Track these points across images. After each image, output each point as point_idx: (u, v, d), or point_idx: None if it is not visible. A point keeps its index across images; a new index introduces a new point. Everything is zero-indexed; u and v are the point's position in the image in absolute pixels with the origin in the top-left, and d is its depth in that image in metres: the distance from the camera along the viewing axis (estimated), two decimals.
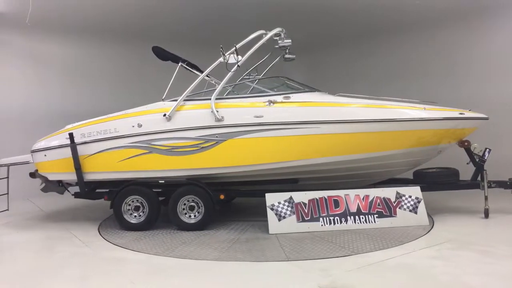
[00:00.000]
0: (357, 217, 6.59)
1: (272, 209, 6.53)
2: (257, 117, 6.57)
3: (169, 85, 6.90)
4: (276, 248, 5.63)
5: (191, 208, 6.76)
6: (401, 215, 6.62)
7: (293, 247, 5.62)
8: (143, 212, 6.81)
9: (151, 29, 10.71)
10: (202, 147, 6.61)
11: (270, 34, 6.80)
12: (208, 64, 7.04)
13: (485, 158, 7.22)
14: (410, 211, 6.68)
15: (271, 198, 6.60)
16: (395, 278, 4.51)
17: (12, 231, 7.11)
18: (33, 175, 7.93)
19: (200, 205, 6.72)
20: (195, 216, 6.76)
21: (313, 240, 5.93)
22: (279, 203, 6.57)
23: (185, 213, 6.77)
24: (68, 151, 6.83)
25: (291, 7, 9.18)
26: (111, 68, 11.54)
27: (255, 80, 7.41)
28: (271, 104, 6.64)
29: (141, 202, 6.82)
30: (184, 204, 6.76)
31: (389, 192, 6.76)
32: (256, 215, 7.66)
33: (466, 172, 7.38)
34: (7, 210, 7.75)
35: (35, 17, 8.36)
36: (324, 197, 6.67)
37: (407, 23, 10.85)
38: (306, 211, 6.56)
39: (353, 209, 6.64)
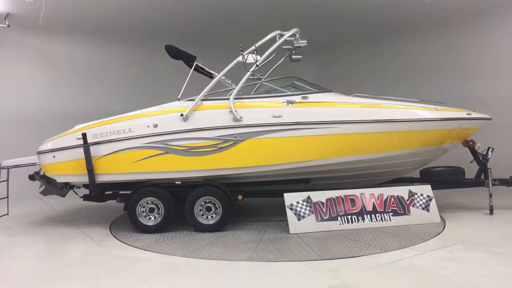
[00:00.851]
0: (373, 215, 6.69)
1: (291, 208, 6.53)
2: (276, 117, 6.56)
3: (184, 85, 6.78)
4: (304, 248, 5.64)
5: (208, 209, 6.67)
6: (414, 213, 6.78)
7: (321, 246, 5.65)
8: (158, 214, 6.66)
9: (161, 30, 10.65)
10: (220, 147, 6.54)
11: (287, 34, 6.82)
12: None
13: (489, 157, 7.51)
14: (423, 209, 6.84)
15: (290, 198, 6.61)
16: (406, 279, 4.53)
17: (25, 230, 7.09)
18: (32, 177, 7.65)
19: (217, 206, 6.65)
20: (212, 217, 6.67)
21: (336, 239, 5.98)
22: (298, 202, 6.59)
23: (202, 214, 6.67)
24: (79, 152, 6.60)
25: (300, 8, 9.20)
26: (121, 69, 11.57)
27: (269, 80, 7.38)
28: (290, 104, 6.65)
29: (156, 204, 6.66)
30: (201, 205, 6.67)
31: (402, 191, 6.91)
32: (266, 215, 7.73)
33: (469, 170, 7.64)
34: (7, 214, 7.41)
35: (47, 18, 8.39)
36: (341, 196, 6.74)
37: (417, 23, 10.87)
38: (324, 210, 6.60)
39: (369, 207, 6.74)
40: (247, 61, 6.66)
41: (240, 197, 6.78)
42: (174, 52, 7.20)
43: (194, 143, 6.55)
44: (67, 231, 6.95)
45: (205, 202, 6.66)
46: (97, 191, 6.76)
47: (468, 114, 7.17)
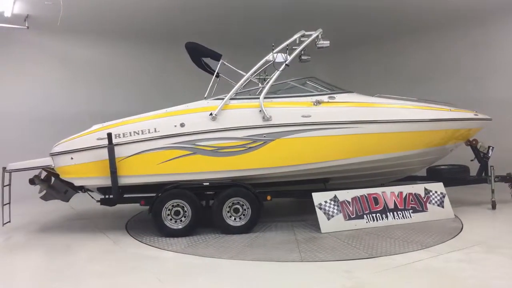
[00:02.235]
0: (395, 213, 6.88)
1: (320, 208, 6.56)
2: (305, 116, 6.57)
3: (210, 83, 6.64)
4: (346, 246, 5.67)
5: (236, 211, 6.53)
6: (431, 209, 7.06)
7: (363, 245, 5.71)
8: (185, 217, 6.43)
9: (177, 30, 10.66)
10: (250, 147, 6.44)
11: (314, 35, 6.83)
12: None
13: (489, 155, 7.99)
14: (438, 205, 7.14)
15: (318, 198, 6.64)
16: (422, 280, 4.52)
17: (41, 229, 7.13)
18: (32, 181, 7.13)
19: (246, 207, 6.53)
20: (240, 218, 6.54)
21: (372, 237, 6.09)
22: (326, 202, 6.63)
23: (230, 216, 6.52)
24: (100, 153, 6.22)
25: (314, 7, 9.18)
26: (137, 69, 11.67)
27: (293, 80, 7.34)
28: (318, 104, 6.68)
29: (182, 207, 6.42)
30: (229, 206, 6.52)
31: (418, 188, 7.17)
32: (283, 215, 7.71)
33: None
34: (9, 222, 6.83)
35: (65, 20, 8.56)
36: (365, 195, 6.86)
37: (429, 23, 10.77)
38: (351, 209, 6.69)
39: (391, 205, 6.92)
40: (276, 60, 6.60)
41: (269, 197, 6.71)
42: (197, 50, 6.98)
43: (223, 143, 6.40)
44: (84, 229, 6.97)
45: (232, 203, 6.52)
46: (119, 194, 6.39)
47: (475, 114, 7.57)
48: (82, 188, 6.74)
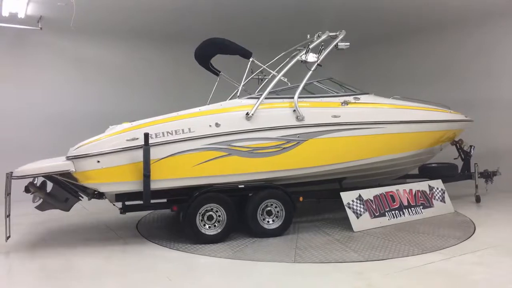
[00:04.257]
0: (409, 209, 7.22)
1: (349, 207, 6.65)
2: (335, 117, 6.62)
3: (242, 81, 6.38)
4: (394, 244, 5.79)
5: (268, 213, 6.36)
6: (436, 205, 7.53)
7: (407, 241, 5.89)
8: (218, 222, 6.10)
9: (189, 31, 10.43)
10: (284, 148, 6.31)
11: (340, 36, 6.90)
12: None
13: (471, 153, 8.73)
14: (441, 201, 7.64)
15: (347, 197, 6.72)
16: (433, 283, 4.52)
17: (53, 228, 7.13)
18: (27, 189, 6.27)
19: (279, 209, 6.38)
20: (273, 221, 6.38)
21: (405, 233, 6.32)
22: (353, 201, 6.74)
23: (264, 219, 6.33)
24: (132, 156, 5.63)
25: (325, 6, 9.17)
26: (149, 69, 11.50)
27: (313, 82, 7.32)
28: (346, 104, 6.77)
29: (216, 211, 6.08)
30: (262, 209, 6.32)
31: (423, 185, 7.59)
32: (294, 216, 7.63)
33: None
34: (9, 237, 5.92)
35: (78, 21, 8.53)
36: (383, 193, 7.10)
37: (438, 23, 10.69)
38: (374, 207, 6.88)
39: (405, 202, 7.24)
40: (308, 60, 6.55)
41: (301, 198, 6.62)
42: (224, 46, 6.63)
43: (258, 143, 6.19)
44: (95, 228, 7.05)
45: (266, 205, 6.34)
46: (150, 200, 5.84)
47: (465, 116, 8.24)
48: (103, 195, 6.05)
